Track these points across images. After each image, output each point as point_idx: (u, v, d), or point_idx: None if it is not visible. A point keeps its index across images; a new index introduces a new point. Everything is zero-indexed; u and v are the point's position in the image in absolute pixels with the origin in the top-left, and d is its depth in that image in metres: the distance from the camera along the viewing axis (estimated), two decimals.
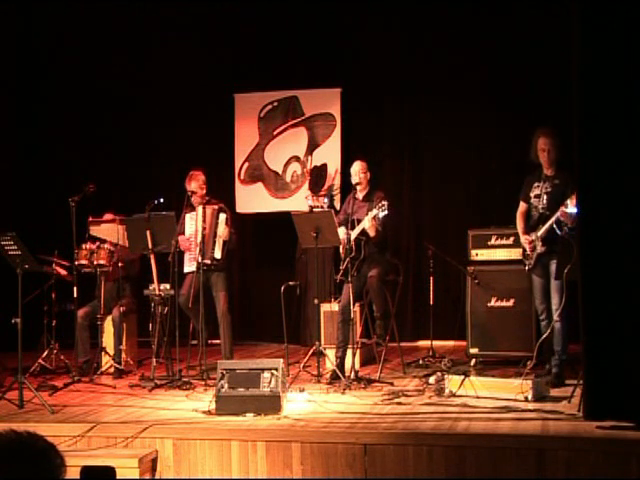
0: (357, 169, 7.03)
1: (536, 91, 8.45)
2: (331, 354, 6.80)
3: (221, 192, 8.20)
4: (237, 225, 7.93)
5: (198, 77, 9.46)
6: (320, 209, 8.02)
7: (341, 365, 6.65)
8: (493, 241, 7.35)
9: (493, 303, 7.24)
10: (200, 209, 7.08)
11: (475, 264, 7.37)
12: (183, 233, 7.24)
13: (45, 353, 7.31)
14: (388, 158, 9.31)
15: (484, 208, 8.69)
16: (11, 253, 6.16)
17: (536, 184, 6.26)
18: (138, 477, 4.87)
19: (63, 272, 7.66)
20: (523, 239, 6.34)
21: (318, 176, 9.20)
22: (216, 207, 7.27)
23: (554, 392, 5.78)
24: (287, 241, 8.62)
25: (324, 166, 9.23)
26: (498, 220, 7.46)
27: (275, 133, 9.51)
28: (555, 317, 6.06)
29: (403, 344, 7.82)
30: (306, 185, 9.25)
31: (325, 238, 6.60)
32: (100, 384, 6.83)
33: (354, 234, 6.76)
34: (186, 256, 7.22)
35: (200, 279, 6.84)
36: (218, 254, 7.18)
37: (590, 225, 4.85)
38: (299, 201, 9.14)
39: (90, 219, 7.49)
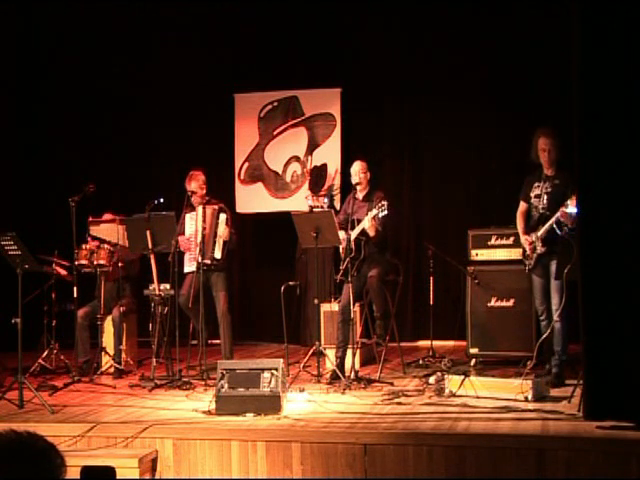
0: (357, 169, 7.04)
1: (536, 91, 8.45)
2: (331, 354, 6.80)
3: (221, 192, 8.20)
4: (237, 225, 7.93)
5: (198, 77, 9.46)
6: (320, 209, 8.02)
7: (341, 365, 6.65)
8: (493, 241, 7.35)
9: (493, 303, 7.24)
10: (200, 209, 7.08)
11: (475, 264, 7.37)
12: (183, 233, 7.24)
13: (45, 353, 7.31)
14: (388, 158, 9.32)
15: (484, 208, 8.69)
16: (11, 253, 6.16)
17: (536, 184, 6.26)
18: (138, 477, 4.87)
19: (63, 272, 7.66)
20: (523, 239, 6.34)
21: (318, 176, 9.20)
22: (216, 207, 7.27)
23: (554, 392, 5.78)
24: (287, 241, 8.62)
25: (324, 166, 9.23)
26: (498, 220, 7.46)
27: (275, 133, 9.51)
28: (555, 317, 6.06)
29: (403, 344, 7.82)
30: (306, 185, 9.25)
31: (325, 238, 6.60)
32: (100, 384, 6.83)
33: (354, 234, 6.76)
34: (186, 256, 7.22)
35: (200, 279, 6.84)
36: (218, 254, 7.18)
37: (590, 225, 4.85)
38: (299, 201, 9.14)
39: (90, 219, 7.49)
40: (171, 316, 6.94)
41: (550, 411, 5.21)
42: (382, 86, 9.21)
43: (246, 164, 9.58)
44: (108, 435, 5.20)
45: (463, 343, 7.63)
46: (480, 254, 7.39)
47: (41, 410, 5.73)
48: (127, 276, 7.56)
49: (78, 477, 4.26)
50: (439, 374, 6.38)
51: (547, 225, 6.10)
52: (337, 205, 8.67)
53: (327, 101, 9.30)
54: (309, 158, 9.35)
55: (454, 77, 8.86)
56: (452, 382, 5.85)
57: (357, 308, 7.21)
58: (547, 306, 6.22)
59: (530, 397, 5.50)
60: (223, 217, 7.25)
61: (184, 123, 9.45)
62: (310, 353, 6.93)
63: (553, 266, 6.14)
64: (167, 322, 6.96)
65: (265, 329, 9.31)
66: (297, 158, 9.42)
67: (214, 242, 7.16)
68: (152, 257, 6.87)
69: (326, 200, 8.66)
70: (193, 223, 7.20)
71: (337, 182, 9.08)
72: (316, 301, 6.86)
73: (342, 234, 6.73)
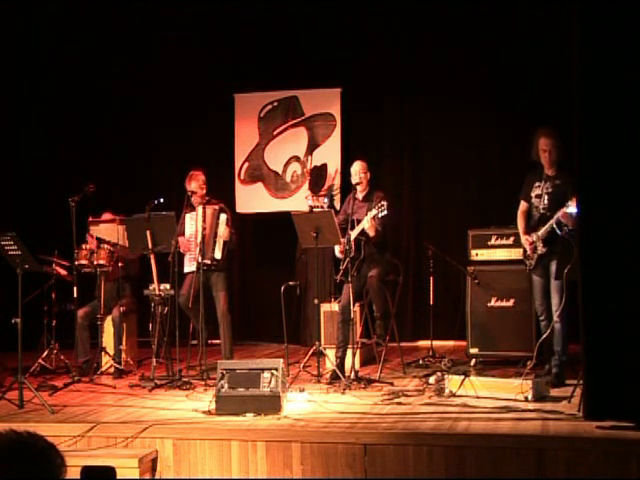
0: (357, 169, 7.03)
1: (536, 91, 8.45)
2: (331, 354, 6.80)
3: (221, 192, 8.20)
4: (237, 225, 7.93)
5: (198, 77, 9.46)
6: (320, 209, 8.02)
7: (341, 365, 6.65)
8: (493, 241, 7.35)
9: (493, 303, 7.24)
10: (200, 209, 7.08)
11: (475, 264, 7.37)
12: (183, 233, 7.24)
13: (45, 353, 7.31)
14: (388, 158, 9.32)
15: (484, 208, 8.70)
16: (11, 253, 6.16)
17: (537, 184, 6.25)
18: (138, 477, 4.87)
19: (63, 272, 7.66)
20: (524, 239, 6.33)
21: (318, 176, 9.20)
22: (217, 207, 7.27)
23: (554, 392, 5.78)
24: (287, 241, 8.62)
25: (324, 166, 9.23)
26: (498, 220, 7.46)
27: (275, 133, 9.51)
28: (555, 317, 6.06)
29: (403, 344, 7.82)
30: (306, 185, 9.25)
31: (325, 238, 6.60)
32: (100, 384, 6.83)
33: (354, 234, 6.76)
34: (186, 256, 7.23)
35: (200, 279, 6.84)
36: (218, 254, 7.18)
37: (590, 225, 4.85)
38: (299, 201, 9.14)
39: (90, 219, 7.49)
40: (171, 316, 6.94)
41: (550, 411, 5.21)
42: (382, 86, 9.21)
43: (246, 164, 9.58)
44: (108, 435, 5.20)
45: (463, 343, 7.63)
46: (480, 254, 7.39)
47: (41, 410, 5.73)
48: (127, 276, 7.56)
49: (78, 477, 4.27)
50: (439, 374, 6.38)
51: (547, 225, 6.09)
52: (337, 205, 8.66)
53: (327, 101, 9.30)
54: (309, 158, 9.35)
55: (454, 77, 8.86)
56: (452, 382, 5.85)
57: (357, 308, 7.21)
58: (547, 306, 6.22)
59: (530, 397, 5.50)
60: (223, 217, 7.25)
61: (184, 123, 9.45)
62: (310, 353, 6.93)
63: (553, 266, 6.13)
64: (167, 322, 6.96)
65: (265, 329, 9.31)
66: (297, 158, 9.42)
67: (214, 242, 7.16)
68: (152, 257, 6.87)
69: (326, 200, 8.66)
70: (193, 223, 7.20)
71: (337, 182, 9.08)
72: (316, 301, 6.86)
73: (337, 249, 6.78)
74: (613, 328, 4.71)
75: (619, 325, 4.69)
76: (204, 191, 7.38)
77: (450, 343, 8.38)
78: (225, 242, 7.23)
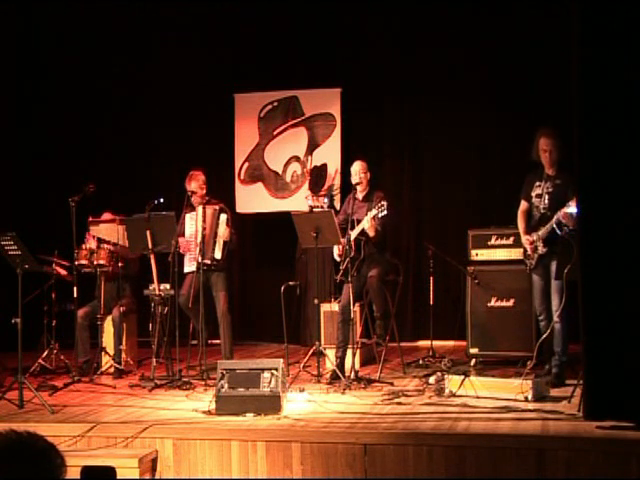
0: (357, 169, 7.04)
1: (536, 91, 8.45)
2: (331, 354, 6.80)
3: (221, 192, 8.20)
4: (237, 225, 7.93)
5: (198, 77, 9.46)
6: (320, 209, 8.02)
7: (341, 365, 6.65)
8: (493, 241, 7.35)
9: (493, 303, 7.24)
10: (200, 209, 7.08)
11: (475, 264, 7.37)
12: (183, 233, 7.24)
13: (45, 353, 7.31)
14: (388, 158, 9.32)
15: (484, 208, 8.70)
16: (11, 253, 6.16)
17: (537, 183, 6.25)
18: (138, 477, 4.87)
19: (63, 272, 7.67)
20: (524, 239, 6.32)
21: (318, 176, 9.20)
22: (217, 207, 7.27)
23: (554, 392, 5.78)
24: (287, 241, 8.62)
25: (324, 166, 9.23)
26: (498, 220, 7.46)
27: (275, 133, 9.51)
28: (555, 318, 6.06)
29: (403, 344, 7.82)
30: (306, 185, 9.25)
31: (325, 238, 6.60)
32: (100, 384, 6.83)
33: (354, 234, 6.76)
34: (186, 256, 7.23)
35: (200, 279, 6.84)
36: (218, 254, 7.18)
37: (590, 225, 4.85)
38: (299, 201, 9.14)
39: (90, 219, 7.49)
40: (171, 316, 6.94)
41: (550, 411, 5.21)
42: (382, 86, 9.21)
43: (246, 164, 9.58)
44: (108, 435, 5.20)
45: (463, 343, 7.63)
46: (480, 254, 7.38)
47: (41, 410, 5.73)
48: (127, 275, 7.56)
49: (78, 477, 4.27)
50: (439, 374, 6.38)
51: (548, 226, 6.08)
52: (337, 205, 8.67)
53: (327, 101, 9.30)
54: (309, 158, 9.35)
55: (454, 77, 8.86)
56: (452, 382, 5.85)
57: (357, 308, 7.21)
58: (546, 306, 6.21)
59: (530, 397, 5.50)
60: (224, 217, 7.26)
61: (184, 123, 9.45)
62: (310, 353, 6.93)
63: (553, 266, 6.13)
64: (167, 322, 6.96)
65: (265, 329, 9.31)
66: (297, 158, 9.42)
67: (214, 242, 7.16)
68: (152, 257, 6.87)
69: (326, 200, 8.66)
70: (193, 223, 7.20)
71: (337, 182, 9.08)
72: (316, 301, 6.86)
73: (335, 251, 6.84)
74: (613, 328, 4.70)
75: (619, 325, 4.69)
76: (204, 191, 7.38)
77: (450, 343, 8.38)
78: (225, 242, 7.23)
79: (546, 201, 6.16)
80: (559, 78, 6.17)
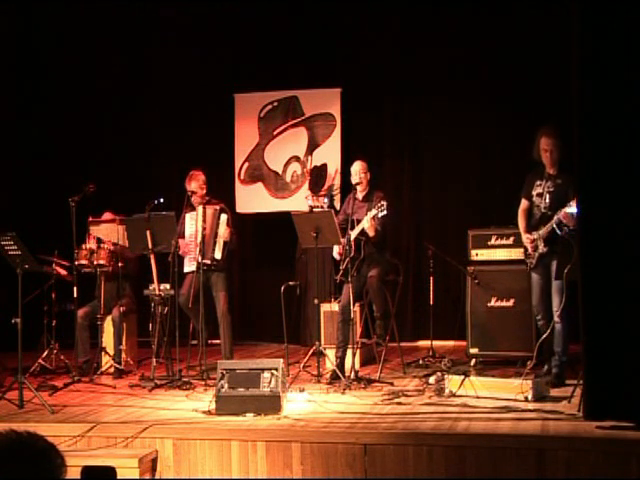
0: (357, 169, 7.04)
1: (536, 91, 8.45)
2: (331, 354, 6.80)
3: (221, 192, 8.19)
4: (237, 225, 7.93)
5: (198, 77, 9.46)
6: (320, 209, 8.02)
7: (341, 365, 6.65)
8: (493, 241, 7.35)
9: (493, 303, 7.24)
10: (200, 209, 7.08)
11: (475, 264, 7.37)
12: (183, 233, 7.24)
13: (45, 353, 7.31)
14: (388, 158, 9.32)
15: (484, 208, 8.70)
16: (11, 253, 6.16)
17: (538, 182, 6.24)
18: (138, 477, 4.87)
19: (63, 272, 7.67)
20: (525, 238, 6.32)
21: (318, 176, 9.20)
22: (217, 207, 7.27)
23: (554, 392, 5.78)
24: (287, 241, 8.62)
25: (324, 166, 9.23)
26: (498, 220, 7.46)
27: (275, 133, 9.52)
28: (555, 318, 6.05)
29: (403, 344, 7.82)
30: (306, 185, 9.25)
31: (325, 238, 6.60)
32: (100, 384, 6.83)
33: (354, 234, 6.76)
34: (186, 256, 7.23)
35: (200, 279, 6.84)
36: (218, 254, 7.18)
37: (590, 225, 4.85)
38: (299, 201, 9.14)
39: (90, 219, 7.49)
40: (171, 316, 6.94)
41: (550, 411, 5.21)
42: (382, 86, 9.21)
43: (246, 164, 9.58)
44: (108, 435, 5.20)
45: (463, 343, 7.63)
46: (480, 254, 7.38)
47: (41, 410, 5.73)
48: (126, 275, 7.56)
49: (78, 477, 4.27)
50: (439, 374, 6.38)
51: (548, 225, 6.07)
52: (337, 205, 8.67)
53: (327, 101, 9.30)
54: (309, 158, 9.35)
55: (454, 77, 8.86)
56: (452, 382, 5.85)
57: (357, 308, 7.21)
58: (544, 306, 6.21)
59: (530, 397, 5.50)
60: (224, 217, 7.26)
61: (184, 123, 9.45)
62: (310, 353, 6.93)
63: (554, 266, 6.11)
64: (167, 322, 6.96)
65: (265, 329, 9.31)
66: (297, 158, 9.42)
67: (214, 242, 7.16)
68: (152, 257, 6.87)
69: (326, 200, 8.66)
70: (193, 223, 7.20)
71: (337, 182, 9.08)
72: (316, 301, 6.86)
73: (335, 249, 6.84)
74: (613, 328, 4.70)
75: (619, 325, 4.69)
76: (204, 191, 7.38)
77: (450, 343, 8.38)
78: (225, 242, 7.23)
79: (547, 200, 6.15)
80: (559, 78, 6.17)
